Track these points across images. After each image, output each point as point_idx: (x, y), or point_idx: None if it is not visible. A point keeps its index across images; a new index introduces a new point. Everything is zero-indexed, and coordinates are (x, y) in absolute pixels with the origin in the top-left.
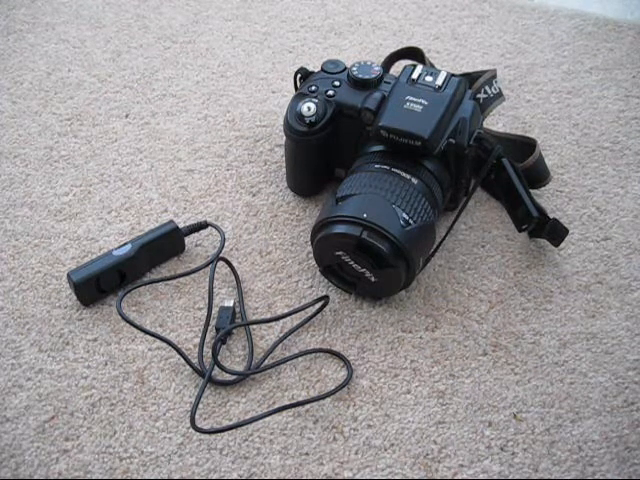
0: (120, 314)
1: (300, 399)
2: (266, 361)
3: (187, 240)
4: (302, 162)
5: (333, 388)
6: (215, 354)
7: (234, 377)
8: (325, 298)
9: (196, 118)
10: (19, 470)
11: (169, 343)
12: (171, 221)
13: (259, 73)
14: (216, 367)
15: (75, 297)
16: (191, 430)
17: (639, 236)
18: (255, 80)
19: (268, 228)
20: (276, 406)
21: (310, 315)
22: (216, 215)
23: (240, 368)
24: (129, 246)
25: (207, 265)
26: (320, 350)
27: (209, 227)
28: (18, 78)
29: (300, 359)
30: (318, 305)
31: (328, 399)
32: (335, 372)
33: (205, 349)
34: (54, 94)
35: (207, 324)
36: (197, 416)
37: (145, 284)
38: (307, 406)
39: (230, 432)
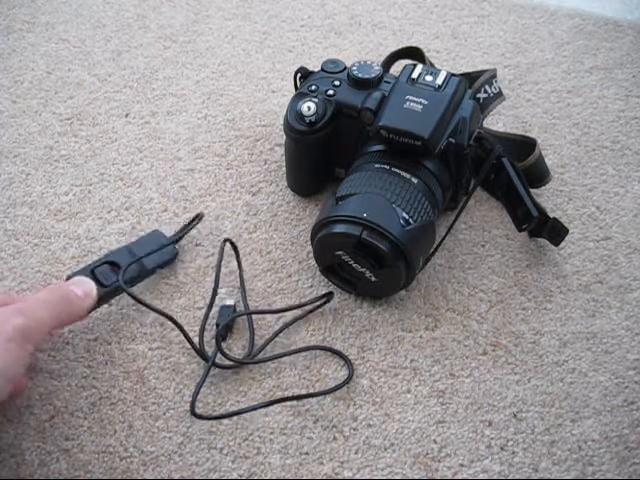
0: (125, 290)
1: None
2: (267, 354)
3: (182, 242)
4: (302, 162)
5: (333, 386)
6: (218, 340)
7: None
8: (329, 295)
9: (196, 117)
10: (19, 470)
11: (171, 319)
12: (156, 230)
13: (259, 72)
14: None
15: None
16: (191, 430)
17: (639, 236)
18: (255, 79)
19: (268, 228)
20: (276, 405)
21: (312, 308)
22: (216, 214)
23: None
24: (124, 250)
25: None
26: (322, 347)
27: (200, 222)
28: (18, 77)
29: (300, 358)
30: (321, 298)
31: (328, 398)
32: (335, 371)
33: (206, 349)
34: (54, 93)
35: (210, 307)
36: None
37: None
38: (307, 405)
39: (230, 432)
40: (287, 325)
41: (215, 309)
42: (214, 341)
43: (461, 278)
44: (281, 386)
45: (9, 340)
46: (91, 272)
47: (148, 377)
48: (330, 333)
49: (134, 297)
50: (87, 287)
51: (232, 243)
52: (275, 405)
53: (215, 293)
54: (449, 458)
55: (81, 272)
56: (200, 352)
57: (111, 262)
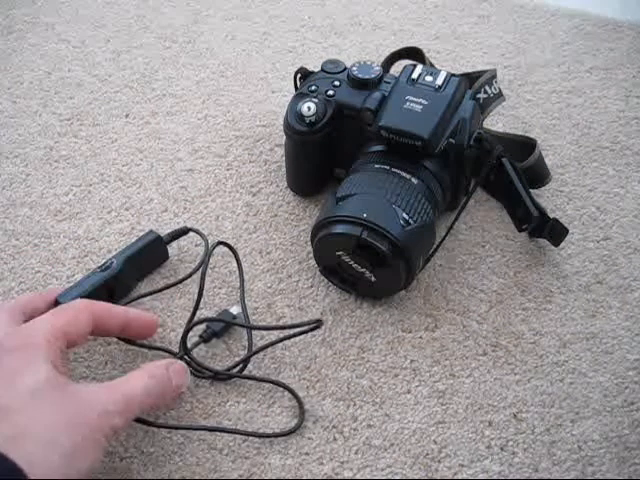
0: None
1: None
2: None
3: (182, 242)
4: (302, 162)
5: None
6: (184, 342)
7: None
8: (318, 322)
9: (196, 118)
10: None
11: (167, 351)
12: (151, 231)
13: (259, 73)
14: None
15: None
16: (191, 430)
17: (639, 236)
18: (255, 80)
19: (268, 228)
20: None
21: (297, 332)
22: (216, 215)
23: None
24: (114, 261)
25: (194, 272)
26: (276, 383)
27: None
28: (18, 78)
29: (300, 359)
30: (311, 323)
31: (328, 398)
32: (335, 372)
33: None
34: (54, 94)
35: (193, 314)
36: (197, 415)
37: (133, 300)
38: (307, 405)
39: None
40: (271, 344)
41: (215, 309)
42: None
43: (461, 278)
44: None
45: (104, 436)
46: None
47: None
48: (330, 333)
49: (128, 341)
50: (185, 380)
51: (230, 247)
52: (275, 406)
53: (199, 299)
54: (449, 458)
55: (73, 293)
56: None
57: (106, 287)
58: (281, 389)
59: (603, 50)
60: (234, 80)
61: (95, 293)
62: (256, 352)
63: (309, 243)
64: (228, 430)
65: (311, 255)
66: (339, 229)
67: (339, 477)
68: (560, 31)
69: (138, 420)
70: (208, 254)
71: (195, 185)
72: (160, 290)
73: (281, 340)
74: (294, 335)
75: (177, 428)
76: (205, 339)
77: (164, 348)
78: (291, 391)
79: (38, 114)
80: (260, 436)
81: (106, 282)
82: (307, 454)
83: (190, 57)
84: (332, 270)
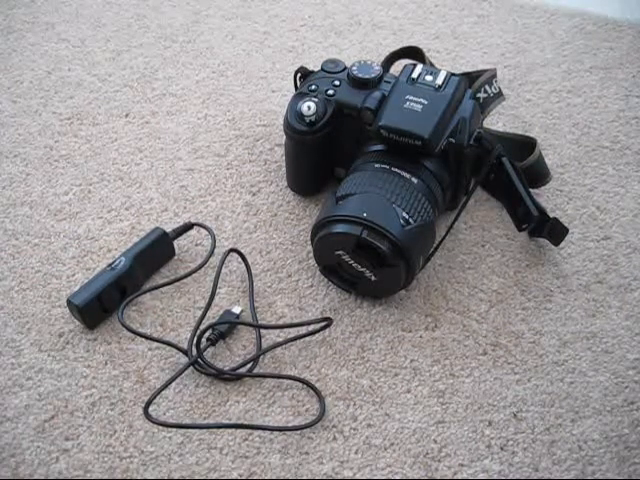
0: (122, 324)
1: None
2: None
3: (182, 242)
4: (302, 161)
5: (310, 420)
6: (198, 346)
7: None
8: (328, 320)
9: (196, 117)
10: (19, 469)
11: (169, 344)
12: (157, 227)
13: (259, 72)
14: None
15: (78, 322)
16: (191, 430)
17: (639, 235)
18: (255, 79)
19: (268, 227)
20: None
21: (307, 333)
22: (216, 214)
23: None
24: (123, 259)
25: (203, 265)
26: (297, 379)
27: (199, 227)
28: (18, 77)
29: (300, 359)
30: (321, 321)
31: (329, 398)
32: (335, 371)
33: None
34: (54, 93)
35: (203, 316)
36: (197, 415)
37: (147, 291)
38: (307, 405)
39: (230, 432)
40: (282, 343)
41: (216, 309)
42: (200, 336)
43: (461, 278)
44: (281, 387)
45: None
46: (98, 299)
47: (148, 377)
48: (330, 333)
49: (133, 331)
50: None
51: (241, 254)
52: (275, 406)
53: (211, 302)
54: (449, 458)
55: (85, 293)
56: (184, 351)
57: (117, 285)
58: (282, 388)
59: (603, 49)
60: (234, 80)
61: (106, 292)
62: (266, 350)
63: (309, 243)
64: (255, 427)
65: (311, 255)
66: (339, 228)
67: (339, 477)
68: (560, 30)
69: (173, 425)
70: (221, 261)
71: (195, 184)
72: (163, 285)
73: (292, 340)
74: (304, 335)
75: (201, 427)
76: (213, 341)
77: (173, 344)
78: (307, 383)
79: (38, 113)
80: (283, 430)
81: (117, 280)
82: (307, 453)
83: (190, 57)
84: (332, 270)
